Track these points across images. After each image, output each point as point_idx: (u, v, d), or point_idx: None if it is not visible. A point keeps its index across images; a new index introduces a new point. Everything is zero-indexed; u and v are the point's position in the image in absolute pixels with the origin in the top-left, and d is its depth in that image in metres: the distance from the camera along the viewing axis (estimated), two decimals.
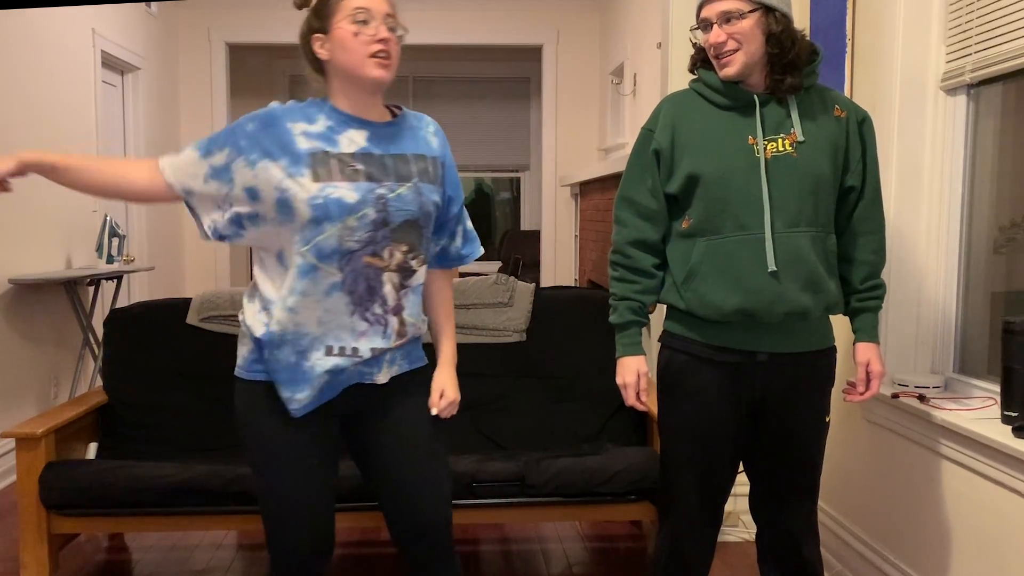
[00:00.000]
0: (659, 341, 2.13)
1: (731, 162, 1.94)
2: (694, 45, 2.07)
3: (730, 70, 1.94)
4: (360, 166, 1.77)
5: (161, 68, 6.55)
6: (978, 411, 2.26)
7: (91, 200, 5.21)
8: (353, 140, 1.79)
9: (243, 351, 1.88)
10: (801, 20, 3.00)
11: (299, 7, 1.85)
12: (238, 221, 1.81)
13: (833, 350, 2.10)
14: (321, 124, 1.79)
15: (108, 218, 4.91)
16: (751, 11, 1.91)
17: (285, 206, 1.75)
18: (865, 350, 2.09)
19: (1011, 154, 2.37)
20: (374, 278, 1.80)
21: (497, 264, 8.76)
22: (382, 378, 1.88)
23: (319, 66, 1.85)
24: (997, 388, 2.24)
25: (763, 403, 2.04)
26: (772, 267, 1.91)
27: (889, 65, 2.61)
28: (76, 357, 4.94)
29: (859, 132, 2.04)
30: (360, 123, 1.82)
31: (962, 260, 2.54)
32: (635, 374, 2.06)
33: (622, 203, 2.06)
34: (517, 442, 3.09)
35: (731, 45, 1.93)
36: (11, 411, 4.21)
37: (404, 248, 1.82)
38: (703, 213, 1.96)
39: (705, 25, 1.96)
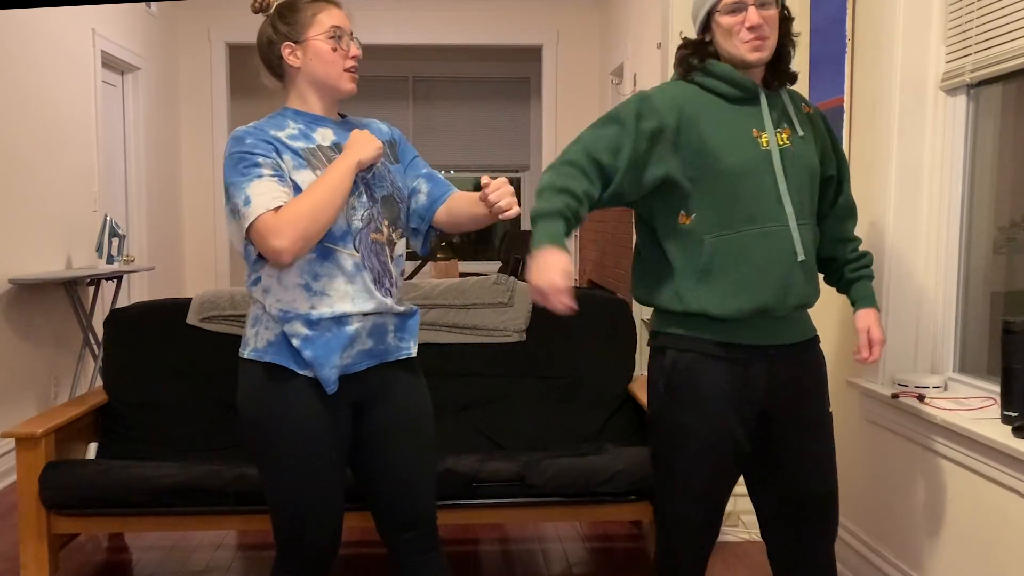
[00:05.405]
0: (652, 345, 2.04)
1: (743, 155, 1.92)
2: (691, 42, 2.00)
3: (764, 54, 1.94)
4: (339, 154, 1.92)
5: (161, 68, 6.55)
6: (978, 411, 2.26)
7: (91, 200, 5.22)
8: (325, 135, 1.93)
9: (266, 334, 1.88)
10: (801, 20, 3.00)
11: (256, 11, 1.95)
12: None
13: (818, 338, 2.10)
14: (293, 128, 1.91)
15: (108, 218, 4.91)
16: (776, 1, 1.95)
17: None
18: (865, 316, 2.11)
19: (1011, 154, 2.36)
20: (380, 252, 1.93)
21: (497, 264, 8.76)
22: (414, 349, 2.00)
23: (279, 71, 1.95)
24: (997, 388, 2.24)
25: (772, 397, 1.98)
26: (802, 256, 1.93)
27: (889, 65, 2.61)
28: (76, 357, 4.94)
29: (823, 125, 2.10)
30: (326, 121, 1.96)
31: (962, 260, 2.54)
32: (561, 274, 1.72)
33: (580, 152, 1.91)
34: (517, 442, 3.09)
35: (766, 30, 1.93)
36: (11, 411, 4.21)
37: (387, 222, 1.95)
38: (711, 208, 1.91)
39: (737, 7, 1.91)
